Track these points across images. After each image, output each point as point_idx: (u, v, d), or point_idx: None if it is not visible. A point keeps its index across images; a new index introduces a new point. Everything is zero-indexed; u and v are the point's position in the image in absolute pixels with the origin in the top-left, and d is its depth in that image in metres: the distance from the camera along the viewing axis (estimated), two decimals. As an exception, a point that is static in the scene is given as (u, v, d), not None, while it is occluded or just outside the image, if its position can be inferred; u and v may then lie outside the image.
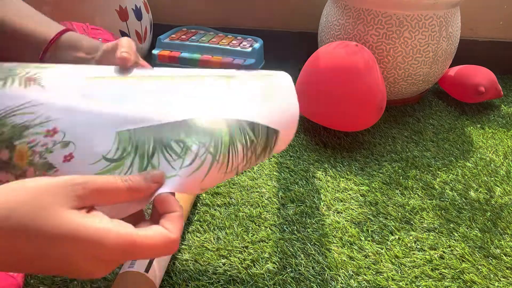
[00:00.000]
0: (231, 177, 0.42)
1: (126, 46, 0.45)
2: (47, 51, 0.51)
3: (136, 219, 0.33)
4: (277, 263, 0.60)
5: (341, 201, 0.73)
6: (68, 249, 0.27)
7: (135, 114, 0.36)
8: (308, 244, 0.64)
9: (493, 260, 0.62)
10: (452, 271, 0.60)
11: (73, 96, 0.35)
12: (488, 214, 0.71)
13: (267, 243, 0.63)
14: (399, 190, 0.76)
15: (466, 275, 0.59)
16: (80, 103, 0.35)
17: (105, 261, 0.28)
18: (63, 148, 0.33)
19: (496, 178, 0.79)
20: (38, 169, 0.33)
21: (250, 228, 0.66)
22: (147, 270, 0.51)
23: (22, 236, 0.26)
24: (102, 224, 0.28)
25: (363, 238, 0.65)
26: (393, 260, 0.61)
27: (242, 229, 0.66)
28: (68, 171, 0.33)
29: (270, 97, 0.42)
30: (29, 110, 0.34)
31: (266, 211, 0.69)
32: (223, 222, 0.67)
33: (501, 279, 0.59)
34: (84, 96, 0.36)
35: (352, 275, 0.59)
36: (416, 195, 0.74)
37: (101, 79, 0.38)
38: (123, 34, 1.02)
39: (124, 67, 0.42)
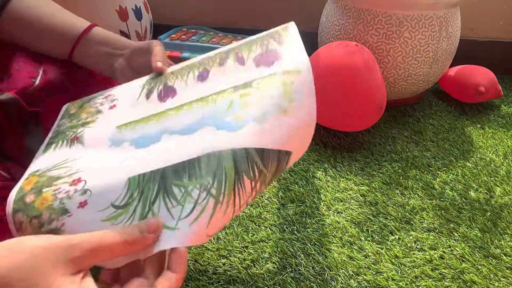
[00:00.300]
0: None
1: (160, 55, 0.49)
2: (76, 47, 0.54)
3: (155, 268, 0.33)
4: (277, 263, 0.60)
5: (341, 201, 0.73)
6: None
7: (145, 159, 0.37)
8: (308, 244, 0.64)
9: (493, 260, 0.62)
10: (452, 271, 0.60)
11: (102, 147, 0.40)
12: (488, 214, 0.71)
13: (267, 243, 0.63)
14: (399, 190, 0.76)
15: (466, 275, 0.59)
16: (106, 153, 0.39)
17: None
18: (81, 195, 0.34)
19: (496, 178, 0.79)
20: (54, 213, 0.34)
21: (250, 228, 0.66)
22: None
23: None
24: None
25: (363, 238, 0.65)
26: (393, 260, 0.61)
27: (242, 229, 0.66)
28: (79, 217, 0.34)
29: (286, 106, 0.37)
30: (66, 165, 0.38)
31: (266, 211, 0.69)
32: (223, 222, 0.67)
33: (501, 279, 0.59)
34: (111, 146, 0.40)
35: (352, 275, 0.59)
36: (416, 195, 0.74)
37: (125, 127, 0.42)
38: (123, 34, 1.02)
39: (160, 74, 0.47)
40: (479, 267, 0.61)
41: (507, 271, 0.61)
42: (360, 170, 0.81)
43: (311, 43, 1.14)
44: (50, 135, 0.44)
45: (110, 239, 0.31)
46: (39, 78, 0.56)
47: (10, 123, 0.57)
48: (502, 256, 0.63)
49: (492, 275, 0.60)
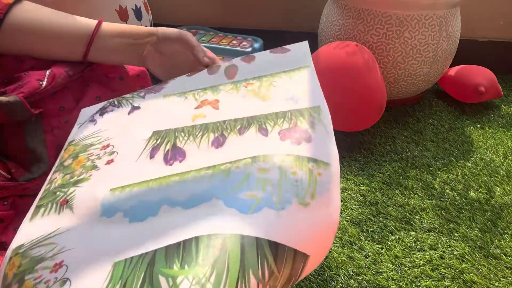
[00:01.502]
0: None
1: (201, 49, 0.52)
2: (92, 44, 0.55)
3: None
4: (277, 263, 0.60)
5: (341, 201, 0.73)
6: None
7: (137, 237, 0.32)
8: (308, 244, 0.64)
9: (493, 260, 0.62)
10: (452, 271, 0.60)
11: (92, 216, 0.35)
12: (488, 214, 0.71)
13: (267, 243, 0.63)
14: (399, 190, 0.76)
15: (466, 275, 0.59)
16: (95, 227, 0.34)
17: None
18: (60, 286, 0.31)
19: (496, 178, 0.79)
20: None
21: (250, 228, 0.66)
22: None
23: None
24: None
25: (363, 238, 0.65)
26: (393, 260, 0.61)
27: (242, 229, 0.66)
28: None
29: (308, 200, 0.32)
30: (51, 241, 0.34)
31: (266, 211, 0.69)
32: (223, 222, 0.67)
33: (501, 279, 0.59)
34: (102, 216, 0.35)
35: (352, 275, 0.59)
36: (416, 195, 0.74)
37: (121, 190, 0.36)
38: (123, 34, 1.02)
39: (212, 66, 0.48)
40: (479, 267, 0.61)
41: (507, 271, 0.60)
42: (360, 170, 0.81)
43: (311, 43, 1.14)
44: (40, 195, 0.39)
45: None
46: (45, 80, 0.57)
47: (12, 123, 0.57)
48: (502, 256, 0.63)
49: (492, 275, 0.60)
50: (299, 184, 0.32)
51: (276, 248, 0.29)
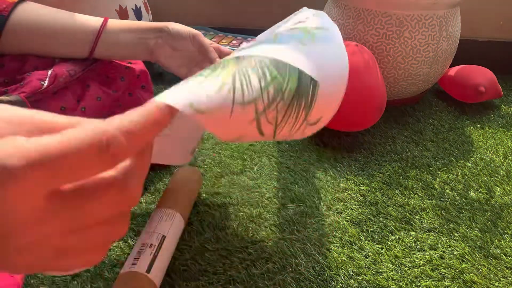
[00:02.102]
0: (251, 134, 0.33)
1: (216, 49, 0.57)
2: (99, 39, 0.56)
3: None
4: (277, 263, 0.60)
5: (341, 201, 0.73)
6: None
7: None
8: (308, 244, 0.64)
9: (493, 260, 0.62)
10: (452, 271, 0.60)
11: None
12: (488, 214, 0.71)
13: (267, 243, 0.63)
14: (399, 190, 0.76)
15: (466, 275, 0.59)
16: None
17: None
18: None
19: (496, 178, 0.79)
20: None
21: (250, 228, 0.66)
22: (148, 271, 0.51)
23: None
24: None
25: (363, 238, 0.65)
26: (393, 260, 0.61)
27: (242, 229, 0.66)
28: None
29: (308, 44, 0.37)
30: None
31: (266, 211, 0.69)
32: (223, 222, 0.67)
33: (501, 279, 0.59)
34: None
35: (352, 275, 0.59)
36: (416, 195, 0.74)
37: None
38: (123, 34, 1.02)
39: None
40: (479, 267, 0.61)
41: (507, 271, 0.60)
42: (360, 170, 0.81)
43: (311, 43, 1.14)
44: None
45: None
46: (47, 80, 0.57)
47: None
48: (502, 256, 0.63)
49: (492, 275, 0.60)
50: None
51: (276, 62, 0.34)
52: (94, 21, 0.58)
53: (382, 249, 0.63)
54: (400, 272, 0.60)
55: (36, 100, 0.56)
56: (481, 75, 1.02)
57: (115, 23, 0.58)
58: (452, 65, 1.08)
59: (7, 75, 0.56)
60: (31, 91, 0.55)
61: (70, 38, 0.57)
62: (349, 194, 0.75)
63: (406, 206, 0.72)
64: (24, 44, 0.56)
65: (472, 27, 1.21)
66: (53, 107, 0.59)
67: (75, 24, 0.57)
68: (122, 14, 1.01)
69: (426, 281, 0.58)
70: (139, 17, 1.06)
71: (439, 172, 0.81)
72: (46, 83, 0.56)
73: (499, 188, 0.77)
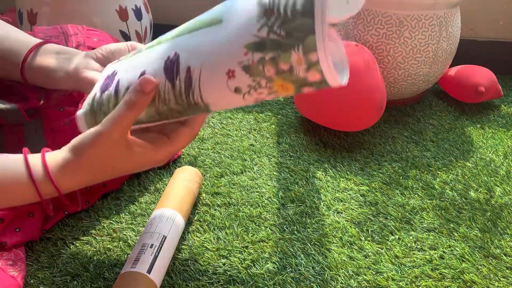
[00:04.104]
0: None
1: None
2: (27, 57, 0.53)
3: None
4: (277, 263, 0.60)
5: (341, 201, 0.73)
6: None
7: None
8: (308, 244, 0.64)
9: (493, 260, 0.62)
10: (452, 271, 0.60)
11: None
12: (488, 214, 0.71)
13: (267, 243, 0.63)
14: (399, 190, 0.76)
15: (466, 275, 0.60)
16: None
17: None
18: None
19: (496, 178, 0.79)
20: None
21: (250, 228, 0.66)
22: (149, 271, 0.51)
23: None
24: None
25: (363, 238, 0.65)
26: (393, 260, 0.62)
27: (242, 229, 0.66)
28: None
29: None
30: None
31: (266, 211, 0.69)
32: (223, 222, 0.67)
33: (501, 279, 0.59)
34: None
35: (352, 275, 0.59)
36: (416, 195, 0.74)
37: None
38: (123, 34, 1.02)
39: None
40: (479, 267, 0.61)
41: (507, 271, 0.61)
42: (360, 170, 0.81)
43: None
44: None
45: (117, 111, 0.40)
46: (43, 98, 0.57)
47: (12, 124, 0.57)
48: (502, 256, 0.63)
49: (492, 275, 0.60)
50: None
51: None
52: (29, 45, 0.54)
53: (382, 249, 0.63)
54: (400, 272, 0.60)
55: (34, 113, 0.57)
56: (481, 75, 1.02)
57: (50, 47, 0.55)
58: (452, 65, 1.08)
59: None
60: (31, 107, 0.56)
61: (6, 59, 0.54)
62: (349, 194, 0.75)
63: (406, 206, 0.72)
64: None
65: (472, 27, 1.21)
66: (52, 109, 0.59)
67: (10, 43, 0.54)
68: (122, 14, 1.01)
69: (426, 281, 0.58)
70: (139, 17, 1.06)
71: (439, 172, 0.81)
72: (42, 101, 0.56)
73: (499, 188, 0.77)
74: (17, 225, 0.57)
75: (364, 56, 0.83)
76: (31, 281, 0.56)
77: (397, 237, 0.66)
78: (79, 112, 0.47)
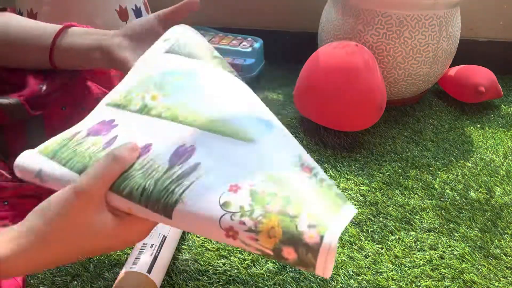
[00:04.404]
0: None
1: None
2: (56, 40, 0.53)
3: None
4: (277, 263, 0.60)
5: (341, 201, 0.73)
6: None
7: None
8: (308, 244, 0.64)
9: (493, 260, 0.62)
10: (452, 271, 0.60)
11: None
12: (488, 214, 0.71)
13: (267, 243, 0.63)
14: (399, 190, 0.76)
15: (466, 275, 0.60)
16: None
17: None
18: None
19: (496, 178, 0.79)
20: None
21: (250, 228, 0.66)
22: (149, 271, 0.51)
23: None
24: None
25: (363, 238, 0.65)
26: (393, 260, 0.62)
27: (242, 229, 0.65)
28: None
29: None
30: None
31: (266, 211, 0.69)
32: (223, 222, 0.67)
33: (501, 279, 0.59)
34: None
35: (352, 275, 0.59)
36: (416, 195, 0.74)
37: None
38: (123, 34, 1.02)
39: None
40: (479, 267, 0.61)
41: (507, 271, 0.61)
42: (360, 170, 0.81)
43: (311, 43, 1.14)
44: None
45: (102, 163, 0.37)
46: (45, 84, 0.56)
47: (14, 123, 0.57)
48: (502, 256, 0.63)
49: (492, 275, 0.60)
50: None
51: None
52: (53, 28, 0.55)
53: (382, 249, 0.63)
54: (400, 272, 0.60)
55: (36, 102, 0.56)
56: (481, 75, 1.02)
57: (77, 29, 0.55)
58: (452, 65, 1.08)
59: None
60: (30, 93, 0.55)
61: (30, 47, 0.54)
62: (349, 194, 0.75)
63: (406, 206, 0.72)
64: None
65: (472, 27, 1.21)
66: (53, 108, 0.59)
67: (34, 32, 0.55)
68: (122, 14, 1.01)
69: (426, 281, 0.58)
70: (139, 17, 1.06)
71: (439, 172, 0.81)
72: (44, 87, 0.56)
73: (499, 188, 0.77)
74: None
75: (364, 56, 0.83)
76: (31, 281, 0.56)
77: (397, 237, 0.66)
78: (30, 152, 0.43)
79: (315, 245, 0.32)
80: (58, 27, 0.55)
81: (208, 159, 0.37)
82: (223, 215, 0.34)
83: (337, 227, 0.33)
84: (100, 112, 0.46)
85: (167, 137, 0.40)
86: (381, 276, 0.59)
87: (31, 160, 0.42)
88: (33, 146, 0.44)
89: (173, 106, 0.42)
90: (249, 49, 1.10)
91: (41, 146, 0.43)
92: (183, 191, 0.36)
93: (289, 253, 0.33)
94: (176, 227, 0.38)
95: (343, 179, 0.78)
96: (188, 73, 0.46)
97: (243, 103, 0.43)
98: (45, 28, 0.55)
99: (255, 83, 1.12)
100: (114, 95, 0.47)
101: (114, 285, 0.51)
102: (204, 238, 0.63)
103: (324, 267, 0.32)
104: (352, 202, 0.72)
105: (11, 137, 0.57)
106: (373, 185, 0.77)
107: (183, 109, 0.42)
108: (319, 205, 0.34)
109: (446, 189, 0.76)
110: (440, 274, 0.60)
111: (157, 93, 0.44)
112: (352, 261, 0.61)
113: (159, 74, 0.46)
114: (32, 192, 0.55)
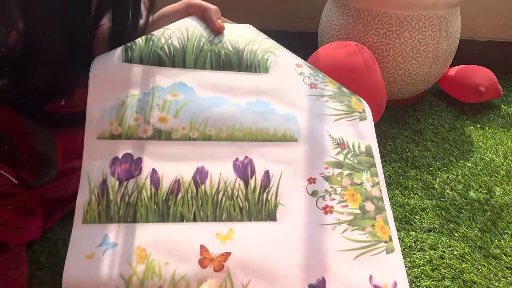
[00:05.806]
0: None
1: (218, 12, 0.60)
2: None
3: None
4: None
5: (341, 201, 0.73)
6: None
7: None
8: (308, 244, 0.64)
9: (493, 260, 0.62)
10: (452, 271, 0.60)
11: None
12: (488, 214, 0.71)
13: (267, 243, 0.63)
14: (399, 190, 0.76)
15: (466, 275, 0.60)
16: None
17: None
18: None
19: (496, 178, 0.79)
20: None
21: (250, 228, 0.66)
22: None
23: None
24: None
25: (363, 238, 0.65)
26: (393, 260, 0.62)
27: (242, 229, 0.66)
28: None
29: None
30: None
31: (266, 211, 0.69)
32: (223, 222, 0.67)
33: (501, 279, 0.59)
34: None
35: (352, 275, 0.59)
36: (416, 195, 0.75)
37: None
38: (123, 34, 1.02)
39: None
40: (479, 267, 0.61)
41: (507, 271, 0.61)
42: (360, 170, 0.81)
43: (311, 43, 1.14)
44: None
45: None
46: (64, 100, 0.57)
47: (23, 132, 0.57)
48: (502, 256, 0.63)
49: (492, 275, 0.60)
50: None
51: None
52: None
53: (382, 249, 0.63)
54: (400, 272, 0.60)
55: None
56: (481, 75, 1.02)
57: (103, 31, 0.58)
58: (452, 65, 1.08)
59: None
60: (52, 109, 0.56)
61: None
62: (349, 194, 0.75)
63: (406, 206, 0.72)
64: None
65: (472, 27, 1.21)
66: (61, 112, 0.59)
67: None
68: (122, 14, 1.01)
69: (426, 281, 0.58)
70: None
71: (439, 172, 0.81)
72: (63, 101, 0.58)
73: (499, 188, 0.77)
74: (19, 226, 0.57)
75: (364, 56, 0.83)
76: (31, 281, 0.56)
77: (397, 237, 0.66)
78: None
79: (379, 196, 0.48)
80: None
81: (272, 165, 0.46)
82: (317, 200, 0.45)
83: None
84: (102, 150, 0.43)
85: (213, 154, 0.45)
86: (381, 276, 0.59)
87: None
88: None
89: (195, 127, 0.46)
90: (249, 49, 1.10)
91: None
92: (276, 198, 0.45)
93: (369, 206, 0.46)
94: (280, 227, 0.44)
95: (343, 179, 0.78)
96: (180, 86, 0.49)
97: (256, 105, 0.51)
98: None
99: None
100: (101, 126, 0.44)
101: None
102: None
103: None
104: (352, 202, 0.72)
105: (19, 145, 0.57)
106: (373, 185, 0.77)
107: (212, 127, 0.47)
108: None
109: (446, 189, 0.76)
110: (440, 274, 0.60)
111: (164, 115, 0.46)
112: (352, 261, 0.61)
113: (144, 94, 0.47)
114: (37, 198, 0.55)
